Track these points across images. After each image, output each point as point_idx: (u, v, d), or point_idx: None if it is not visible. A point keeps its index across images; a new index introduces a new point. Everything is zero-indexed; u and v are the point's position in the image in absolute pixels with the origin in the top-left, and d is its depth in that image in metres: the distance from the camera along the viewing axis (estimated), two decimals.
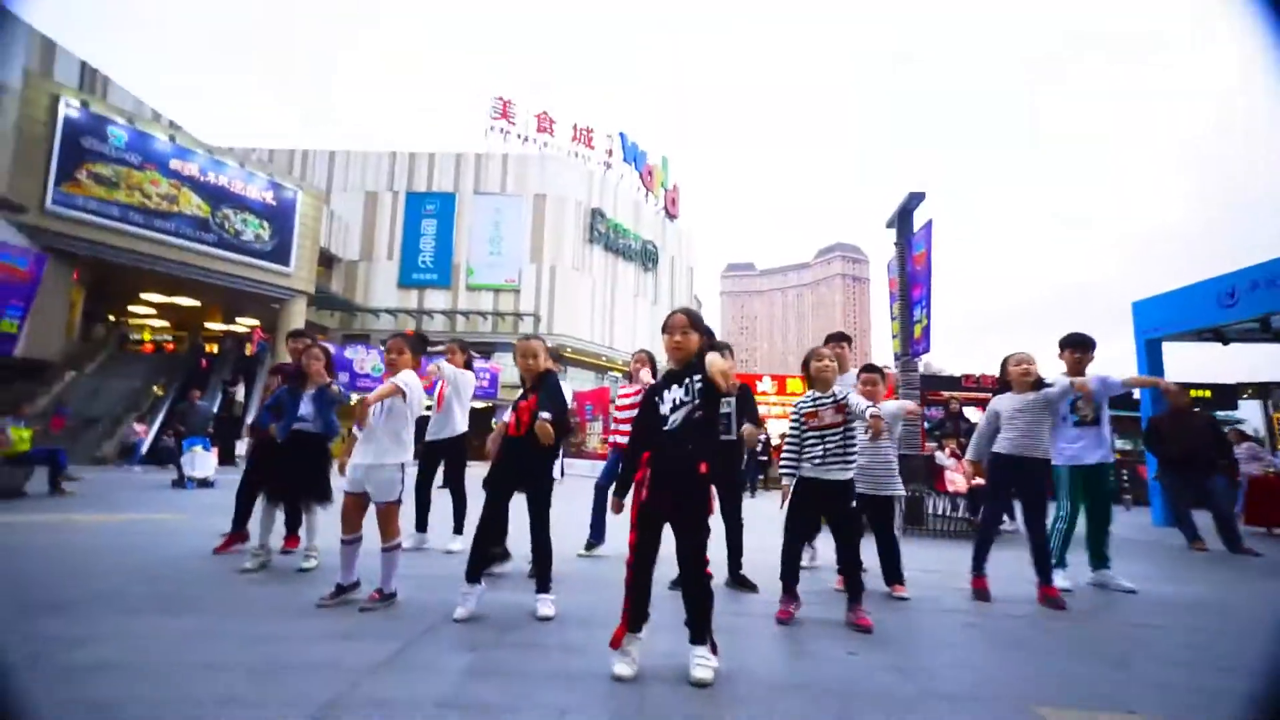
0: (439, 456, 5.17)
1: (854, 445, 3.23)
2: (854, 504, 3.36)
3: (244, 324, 30.02)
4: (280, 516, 4.39)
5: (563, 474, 4.85)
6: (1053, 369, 4.31)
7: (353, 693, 2.08)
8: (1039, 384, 3.84)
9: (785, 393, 17.35)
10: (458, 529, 5.02)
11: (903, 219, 8.28)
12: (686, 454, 2.43)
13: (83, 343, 23.60)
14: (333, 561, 3.49)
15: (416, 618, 3.02)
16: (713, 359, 2.35)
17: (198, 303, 27.84)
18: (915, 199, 8.08)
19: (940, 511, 6.95)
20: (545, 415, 3.08)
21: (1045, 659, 2.71)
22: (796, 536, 3.32)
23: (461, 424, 5.13)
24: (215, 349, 27.97)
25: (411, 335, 3.62)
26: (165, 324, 31.14)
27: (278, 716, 1.88)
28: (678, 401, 2.48)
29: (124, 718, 1.89)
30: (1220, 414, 15.12)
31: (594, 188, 39.25)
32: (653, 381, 4.89)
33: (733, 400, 4.06)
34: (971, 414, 9.41)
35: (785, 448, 3.37)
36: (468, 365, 5.26)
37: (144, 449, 17.61)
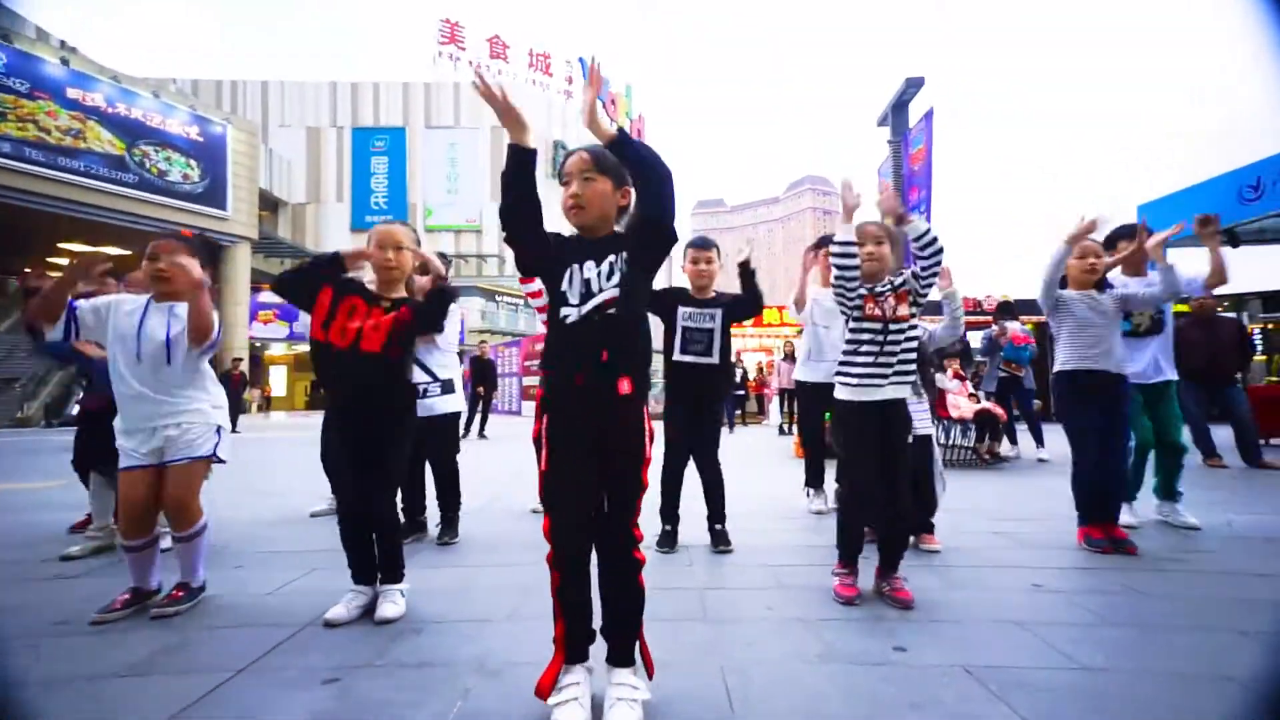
0: None
1: (913, 355, 2.30)
2: (910, 437, 2.44)
3: None
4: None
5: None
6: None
7: None
8: (1103, 285, 2.98)
9: (761, 324, 16.51)
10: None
11: (897, 112, 7.25)
12: (594, 366, 1.47)
13: None
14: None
15: (271, 623, 2.09)
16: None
17: (128, 252, 25.54)
18: (913, 87, 7.02)
19: (943, 440, 6.25)
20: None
21: (1169, 639, 1.90)
22: (863, 480, 2.29)
23: None
24: None
25: (192, 237, 2.40)
26: None
27: None
28: (590, 287, 1.51)
29: None
30: None
31: (554, 119, 36.90)
32: None
33: (717, 314, 3.06)
34: (971, 337, 8.66)
35: (844, 358, 2.35)
36: None
37: None
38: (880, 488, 2.24)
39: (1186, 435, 3.66)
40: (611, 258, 1.53)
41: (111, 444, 2.96)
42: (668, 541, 3.04)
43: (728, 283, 3.06)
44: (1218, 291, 3.28)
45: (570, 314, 1.50)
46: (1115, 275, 3.37)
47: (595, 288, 1.50)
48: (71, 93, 19.21)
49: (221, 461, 2.31)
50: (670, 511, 3.09)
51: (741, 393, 14.27)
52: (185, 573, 2.27)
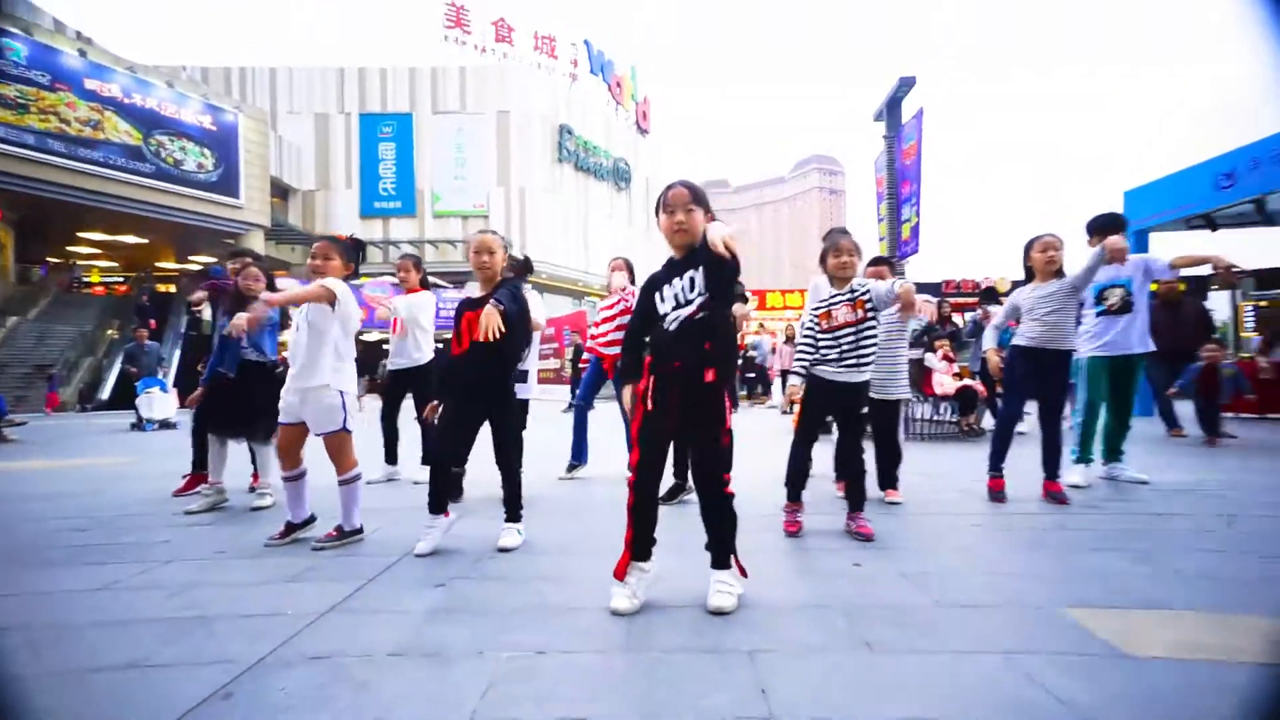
0: (404, 387, 4.79)
1: (870, 345, 2.91)
2: (865, 408, 3.08)
3: (198, 262, 28.32)
4: (243, 453, 4.03)
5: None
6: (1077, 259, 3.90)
7: (289, 647, 1.77)
8: (1062, 273, 3.53)
9: (765, 307, 17.05)
10: (426, 459, 4.74)
11: (891, 109, 7.72)
12: (689, 360, 2.06)
13: (19, 286, 22.17)
14: None
15: (377, 555, 2.72)
16: (714, 228, 1.96)
17: (144, 240, 26.15)
18: (905, 85, 7.49)
19: (928, 415, 6.83)
20: (497, 302, 2.63)
21: (1065, 557, 2.52)
22: (806, 439, 3.07)
23: (425, 351, 4.72)
24: (174, 289, 26.44)
25: (344, 240, 3.13)
26: (114, 264, 29.46)
27: (187, 682, 1.57)
28: (679, 299, 2.08)
29: None
30: None
31: (560, 102, 36.94)
32: (626, 287, 4.44)
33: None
34: (957, 319, 9.18)
35: (799, 347, 3.05)
36: (424, 284, 4.79)
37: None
38: (844, 448, 2.90)
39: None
40: (690, 273, 2.06)
41: (225, 408, 3.66)
42: (674, 494, 3.64)
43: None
44: (1188, 273, 3.78)
45: (671, 322, 2.07)
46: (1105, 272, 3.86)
47: (683, 299, 2.06)
48: (89, 84, 19.68)
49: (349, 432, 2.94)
50: (684, 468, 3.69)
51: (752, 375, 14.72)
52: (343, 517, 2.93)
